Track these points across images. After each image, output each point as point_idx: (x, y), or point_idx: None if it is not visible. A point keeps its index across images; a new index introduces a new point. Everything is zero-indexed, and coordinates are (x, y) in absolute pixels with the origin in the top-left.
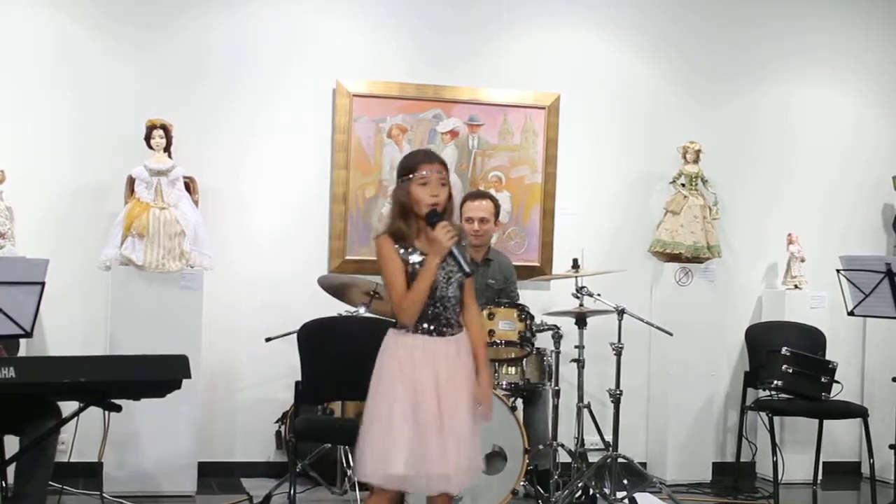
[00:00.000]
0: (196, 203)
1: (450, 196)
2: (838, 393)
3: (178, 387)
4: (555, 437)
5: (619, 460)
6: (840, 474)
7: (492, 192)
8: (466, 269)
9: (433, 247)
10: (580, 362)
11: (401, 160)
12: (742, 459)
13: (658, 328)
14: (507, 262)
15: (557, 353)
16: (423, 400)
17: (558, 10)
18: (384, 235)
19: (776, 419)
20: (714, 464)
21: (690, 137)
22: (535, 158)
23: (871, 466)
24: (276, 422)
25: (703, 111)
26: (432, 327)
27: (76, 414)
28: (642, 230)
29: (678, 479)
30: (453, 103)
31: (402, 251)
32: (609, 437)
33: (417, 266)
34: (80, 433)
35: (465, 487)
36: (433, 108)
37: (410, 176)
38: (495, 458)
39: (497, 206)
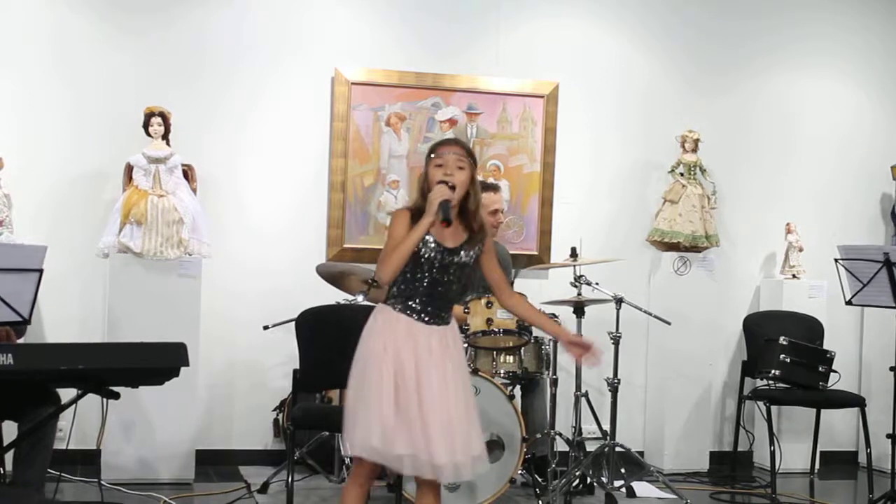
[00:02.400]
0: (194, 191)
1: (472, 181)
2: (836, 382)
3: (177, 374)
4: (552, 425)
5: (617, 449)
6: (837, 464)
7: (491, 180)
8: (447, 217)
9: (426, 207)
10: None
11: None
12: (739, 449)
13: (656, 317)
14: (504, 252)
15: (555, 342)
16: (403, 379)
17: None
18: (402, 209)
19: (774, 408)
20: (711, 453)
21: (689, 126)
22: (534, 147)
23: (869, 456)
24: (274, 410)
25: (702, 100)
26: (417, 312)
27: (74, 401)
28: (640, 219)
29: (675, 468)
30: (452, 92)
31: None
32: (607, 426)
33: (426, 250)
34: (79, 420)
35: (457, 480)
36: (432, 97)
37: (430, 156)
38: (493, 447)
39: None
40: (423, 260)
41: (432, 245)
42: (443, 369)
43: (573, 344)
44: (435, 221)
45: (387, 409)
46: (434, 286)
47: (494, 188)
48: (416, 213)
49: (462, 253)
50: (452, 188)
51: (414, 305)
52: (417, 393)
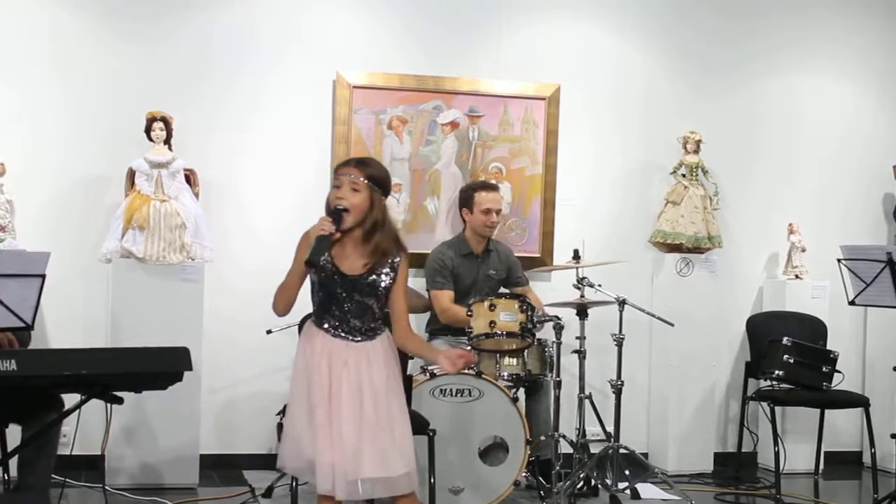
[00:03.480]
0: (196, 195)
1: (372, 203)
2: (839, 383)
3: (180, 379)
4: (556, 428)
5: (621, 451)
6: (841, 464)
7: (492, 181)
8: (313, 258)
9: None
10: (581, 353)
11: None
12: (743, 449)
13: (659, 319)
14: (506, 251)
15: (559, 344)
16: (316, 396)
17: (558, 1)
18: (306, 233)
19: (777, 409)
20: (715, 454)
21: (691, 128)
22: (536, 149)
23: (873, 456)
24: (278, 414)
25: (704, 101)
26: (332, 326)
27: (78, 406)
28: (643, 221)
29: (680, 469)
30: (453, 94)
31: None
32: (610, 428)
33: (323, 276)
34: (82, 426)
35: (354, 496)
36: (433, 100)
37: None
38: (497, 450)
39: (501, 197)
40: (324, 283)
41: (330, 268)
42: (356, 383)
43: (447, 358)
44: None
45: (299, 425)
46: (340, 305)
47: (490, 187)
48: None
49: (368, 275)
50: (345, 211)
51: (327, 322)
52: (329, 405)
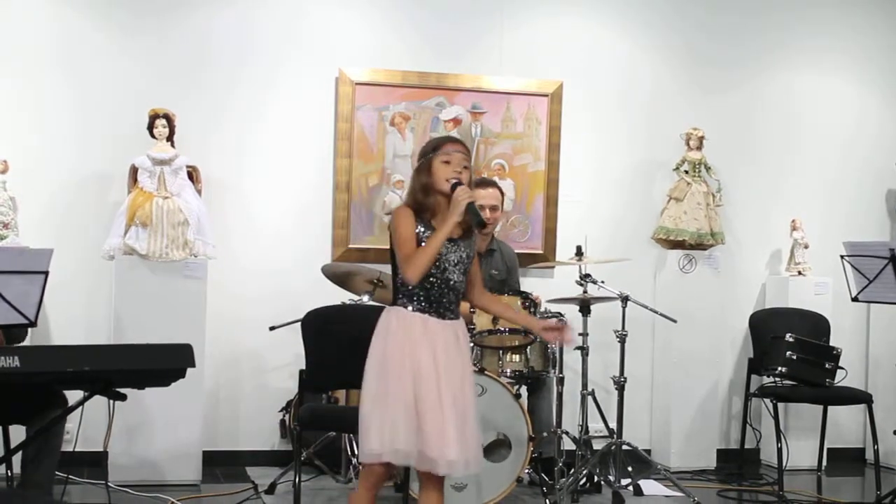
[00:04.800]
0: (199, 192)
1: (470, 182)
2: (842, 379)
3: (183, 376)
4: (559, 424)
5: (624, 447)
6: (844, 460)
7: (495, 179)
8: (482, 220)
9: (451, 206)
10: (584, 350)
11: (426, 143)
12: (746, 446)
13: (662, 315)
14: (510, 252)
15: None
16: (422, 378)
17: None
18: (403, 206)
19: (780, 405)
20: (718, 450)
21: (693, 124)
22: (539, 146)
23: (876, 452)
24: (281, 410)
25: (706, 98)
26: (432, 307)
27: (81, 403)
28: (646, 217)
29: (682, 465)
30: (456, 91)
31: (421, 227)
32: (613, 425)
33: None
34: (85, 423)
35: (466, 474)
36: (436, 96)
37: (435, 153)
38: (500, 446)
39: (502, 194)
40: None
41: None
42: (461, 364)
43: (547, 330)
44: (460, 222)
45: (406, 411)
46: (446, 281)
47: (488, 184)
48: (419, 209)
49: (464, 246)
50: (460, 184)
51: (428, 303)
52: (438, 390)
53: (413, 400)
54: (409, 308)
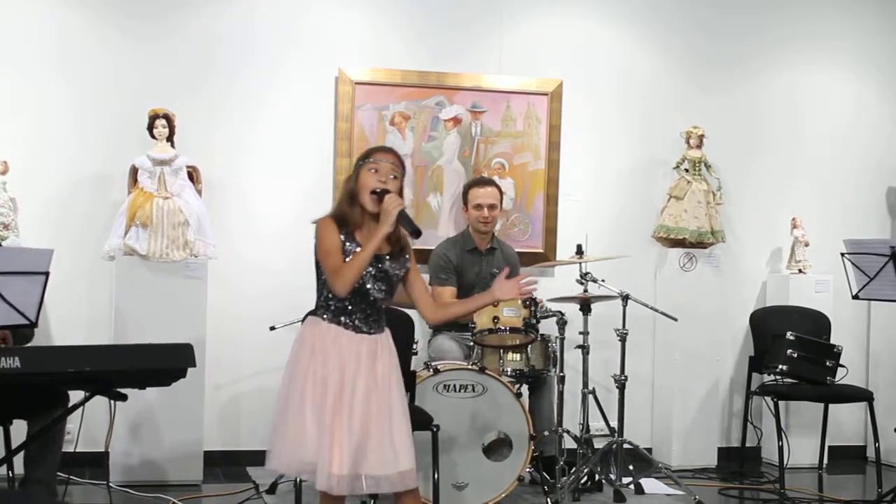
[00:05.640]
0: (199, 192)
1: (400, 193)
2: (843, 377)
3: (184, 375)
4: (560, 423)
5: (625, 446)
6: (845, 458)
7: (495, 178)
8: (416, 228)
9: (381, 216)
10: (585, 348)
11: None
12: (747, 444)
13: (662, 314)
14: (511, 252)
15: (562, 340)
16: (326, 390)
17: None
18: (326, 218)
19: (781, 404)
20: (719, 449)
21: (693, 122)
22: (539, 145)
23: (877, 450)
24: None
25: (706, 96)
26: (349, 319)
27: (82, 403)
28: (646, 216)
29: (683, 464)
30: (456, 90)
31: (342, 238)
32: (614, 423)
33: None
34: (86, 423)
35: (366, 493)
36: (436, 96)
37: (362, 162)
38: (501, 445)
39: (501, 193)
40: None
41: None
42: (371, 378)
43: (503, 288)
44: (390, 236)
45: (298, 423)
46: (364, 295)
47: (487, 182)
48: (343, 219)
49: (388, 263)
50: (387, 192)
51: (344, 315)
52: (336, 403)
53: (318, 411)
54: (325, 319)
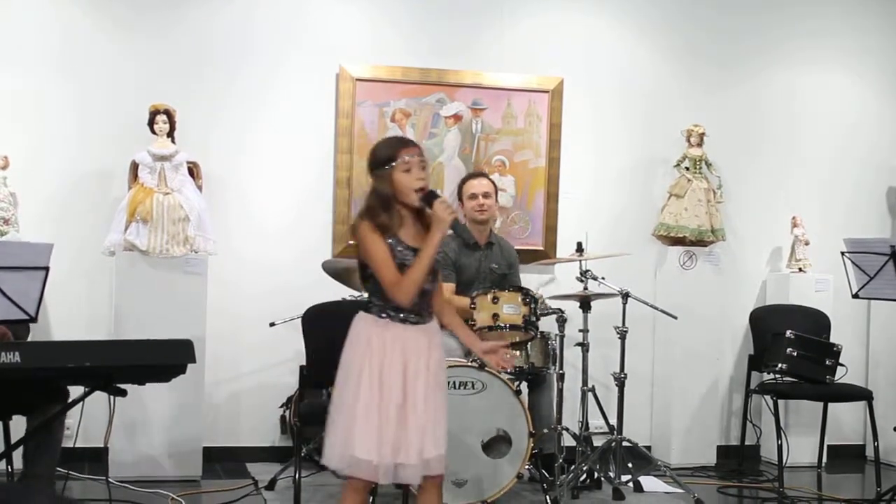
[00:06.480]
0: (200, 188)
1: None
2: (843, 376)
3: (183, 371)
4: (559, 420)
5: (624, 444)
6: (845, 457)
7: (496, 176)
8: (471, 237)
9: (434, 223)
10: (585, 346)
11: (373, 150)
12: (747, 443)
13: (662, 312)
14: (509, 247)
15: (562, 337)
16: (390, 389)
17: None
18: (366, 224)
19: (781, 402)
20: (719, 447)
21: (694, 121)
22: (539, 142)
23: (876, 449)
24: (281, 406)
25: (707, 94)
26: (404, 315)
27: (81, 399)
28: (646, 214)
29: (683, 462)
30: (457, 87)
31: (390, 242)
32: (614, 421)
33: (407, 260)
34: (86, 418)
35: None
36: (436, 93)
37: (393, 164)
38: (500, 443)
39: (496, 186)
40: (405, 266)
41: (408, 253)
42: (427, 369)
43: (486, 353)
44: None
45: (369, 420)
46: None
47: (475, 175)
48: (381, 223)
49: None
50: (423, 190)
51: (400, 310)
52: (403, 396)
53: (377, 410)
54: (382, 316)
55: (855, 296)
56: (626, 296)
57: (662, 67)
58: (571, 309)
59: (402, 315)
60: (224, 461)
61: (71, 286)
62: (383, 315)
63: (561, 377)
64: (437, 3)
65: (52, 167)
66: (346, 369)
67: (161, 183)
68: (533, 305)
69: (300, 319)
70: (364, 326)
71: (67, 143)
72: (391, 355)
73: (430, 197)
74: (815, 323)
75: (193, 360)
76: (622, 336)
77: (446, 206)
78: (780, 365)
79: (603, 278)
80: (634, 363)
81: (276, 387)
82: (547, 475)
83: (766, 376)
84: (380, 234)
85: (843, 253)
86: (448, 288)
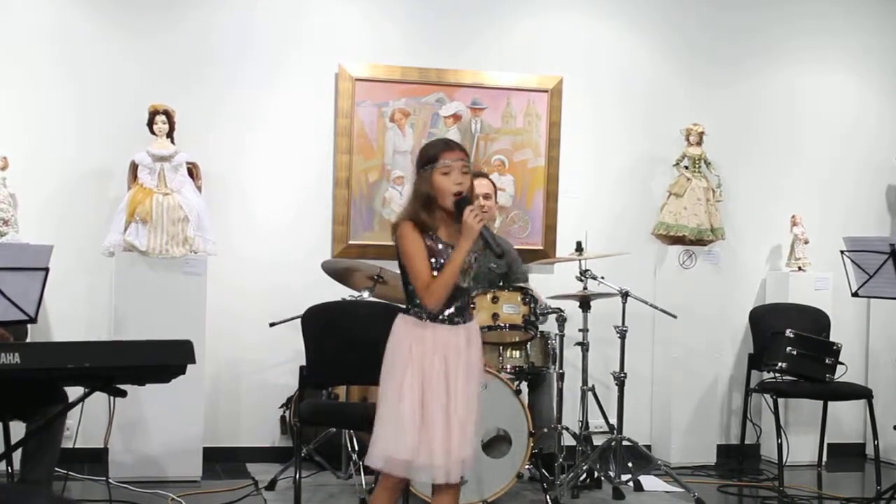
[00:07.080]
0: (199, 189)
1: (471, 185)
2: (842, 374)
3: (183, 372)
4: (559, 420)
5: (624, 443)
6: (845, 456)
7: (495, 175)
8: (497, 249)
9: (463, 231)
10: (584, 345)
11: (421, 149)
12: (746, 442)
13: (662, 311)
14: (507, 246)
15: (562, 337)
16: (431, 389)
17: None
18: (406, 222)
19: (780, 401)
20: (718, 446)
21: (693, 120)
22: (538, 142)
23: (876, 448)
24: (281, 406)
25: (707, 93)
26: (446, 316)
27: (81, 399)
28: (646, 213)
29: (683, 461)
30: (456, 87)
31: (430, 243)
32: (613, 420)
33: (443, 258)
34: (86, 419)
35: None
36: (436, 92)
37: (434, 165)
38: (500, 442)
39: (494, 185)
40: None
41: (449, 251)
42: (467, 368)
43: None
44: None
45: (409, 421)
46: (456, 289)
47: (481, 175)
48: (422, 223)
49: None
50: (460, 195)
51: (440, 315)
52: (446, 397)
53: (419, 410)
54: (423, 318)
55: (854, 294)
56: (625, 295)
57: (662, 66)
58: (571, 308)
59: (442, 316)
60: (224, 461)
61: (71, 286)
62: (423, 317)
63: (561, 377)
64: (437, 2)
65: (52, 168)
66: (389, 371)
67: (160, 183)
68: (533, 305)
69: (300, 320)
70: (403, 328)
71: (67, 144)
72: (431, 357)
73: (462, 203)
74: (814, 322)
75: (193, 361)
76: (622, 335)
77: (476, 213)
78: (779, 364)
79: (602, 278)
80: (634, 362)
81: (276, 387)
82: (547, 475)
83: (766, 375)
84: (419, 232)
85: (842, 251)
86: None
